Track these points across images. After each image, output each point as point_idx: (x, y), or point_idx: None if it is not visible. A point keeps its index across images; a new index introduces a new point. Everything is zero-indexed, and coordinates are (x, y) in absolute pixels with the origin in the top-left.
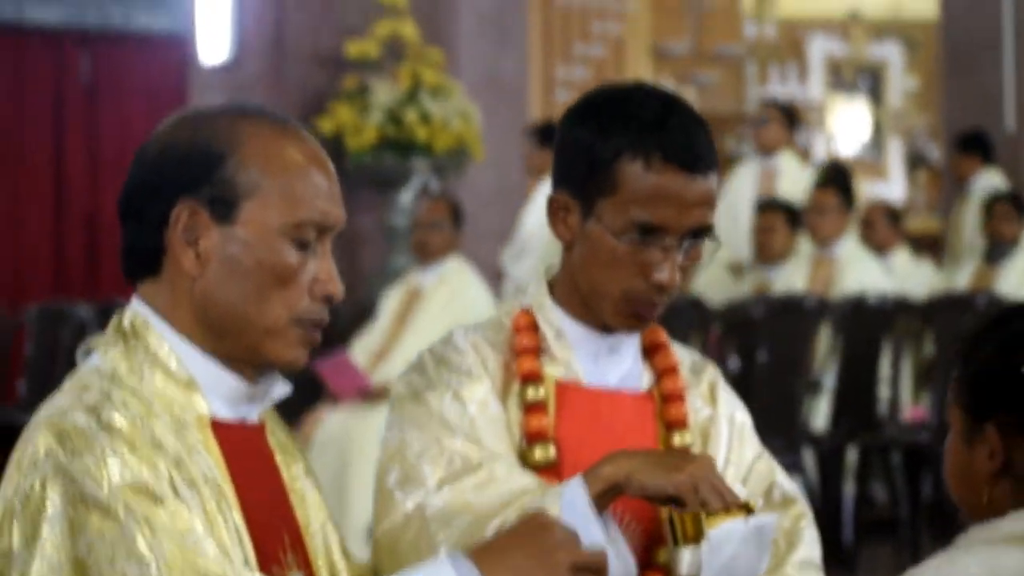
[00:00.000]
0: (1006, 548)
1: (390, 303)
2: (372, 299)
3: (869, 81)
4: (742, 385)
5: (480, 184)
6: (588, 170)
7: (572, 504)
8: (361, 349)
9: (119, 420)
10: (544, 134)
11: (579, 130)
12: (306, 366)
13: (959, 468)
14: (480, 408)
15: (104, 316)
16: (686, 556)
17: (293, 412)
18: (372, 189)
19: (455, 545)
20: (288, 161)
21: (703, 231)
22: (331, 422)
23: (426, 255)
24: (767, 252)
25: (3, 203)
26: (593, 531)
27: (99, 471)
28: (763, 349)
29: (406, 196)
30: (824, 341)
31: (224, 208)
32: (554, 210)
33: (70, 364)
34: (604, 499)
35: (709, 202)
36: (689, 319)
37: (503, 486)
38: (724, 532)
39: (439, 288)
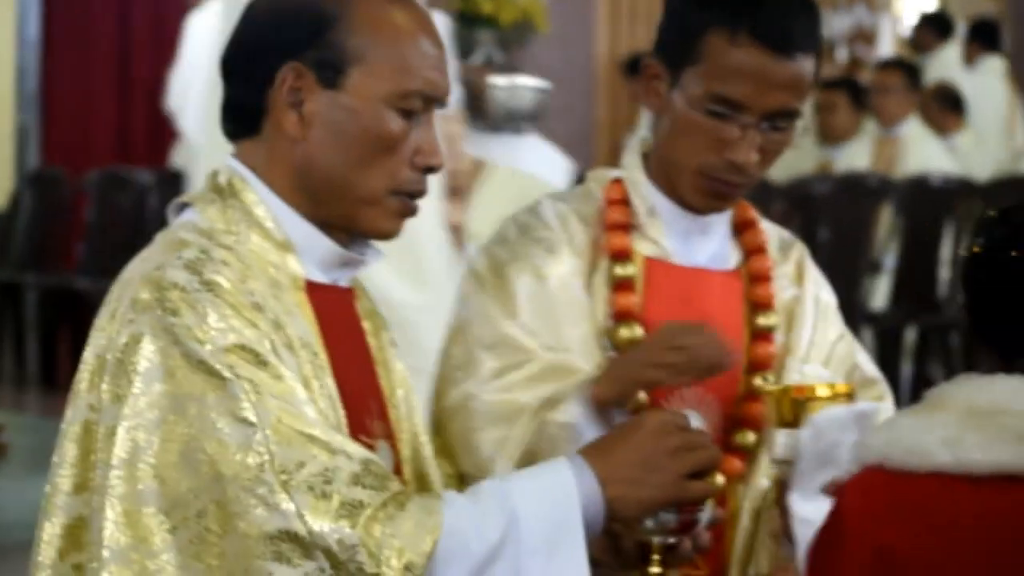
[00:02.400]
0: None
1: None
2: None
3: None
4: None
5: (544, 60)
6: (679, 37)
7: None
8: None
9: (221, 279)
10: (631, 67)
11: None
12: None
13: None
14: (561, 287)
15: (164, 183)
16: (782, 439)
17: None
18: None
19: (495, 444)
20: (398, 28)
21: (788, 114)
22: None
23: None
24: (829, 131)
25: (69, 71)
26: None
27: (202, 330)
28: (824, 227)
29: (470, 67)
30: (885, 221)
31: (331, 72)
32: (647, 76)
33: (129, 229)
34: (607, 417)
35: (796, 86)
36: (750, 194)
37: (551, 382)
38: (828, 417)
39: (508, 159)
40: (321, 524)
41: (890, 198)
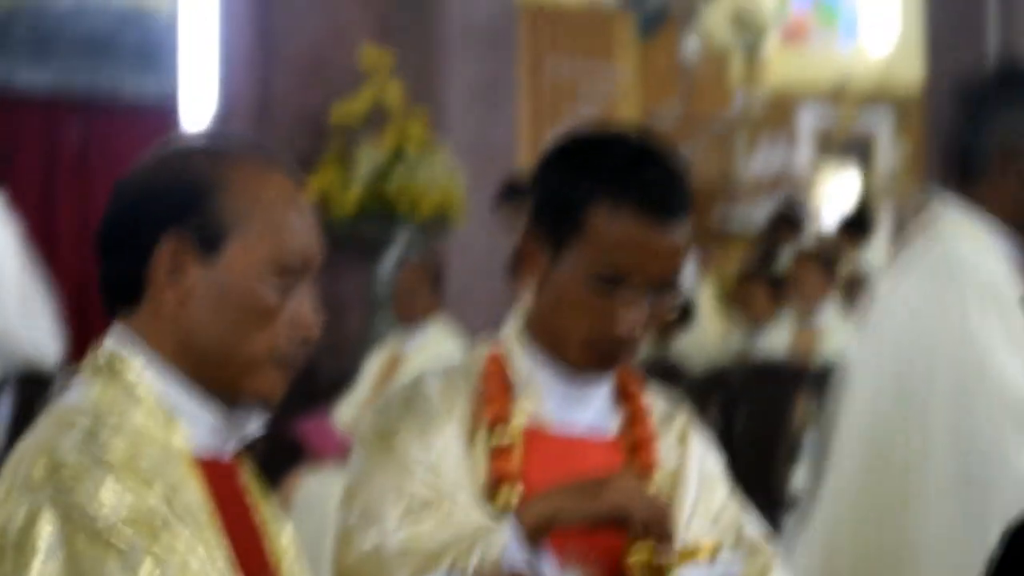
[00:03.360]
0: None
1: (372, 367)
2: (355, 364)
3: (858, 150)
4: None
5: (470, 248)
6: (557, 214)
7: (512, 547)
8: (343, 413)
9: (111, 455)
10: (507, 193)
11: (551, 173)
12: (288, 428)
13: None
14: (443, 453)
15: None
16: None
17: (273, 474)
18: (355, 255)
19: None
20: (273, 198)
21: (671, 283)
22: (311, 484)
23: (406, 321)
24: (749, 318)
25: None
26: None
27: (97, 504)
28: (742, 413)
29: (389, 262)
30: (802, 407)
31: (209, 244)
32: (527, 249)
33: None
34: (538, 536)
35: (679, 254)
36: (667, 380)
37: (457, 526)
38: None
39: (421, 352)
40: None
41: (807, 384)
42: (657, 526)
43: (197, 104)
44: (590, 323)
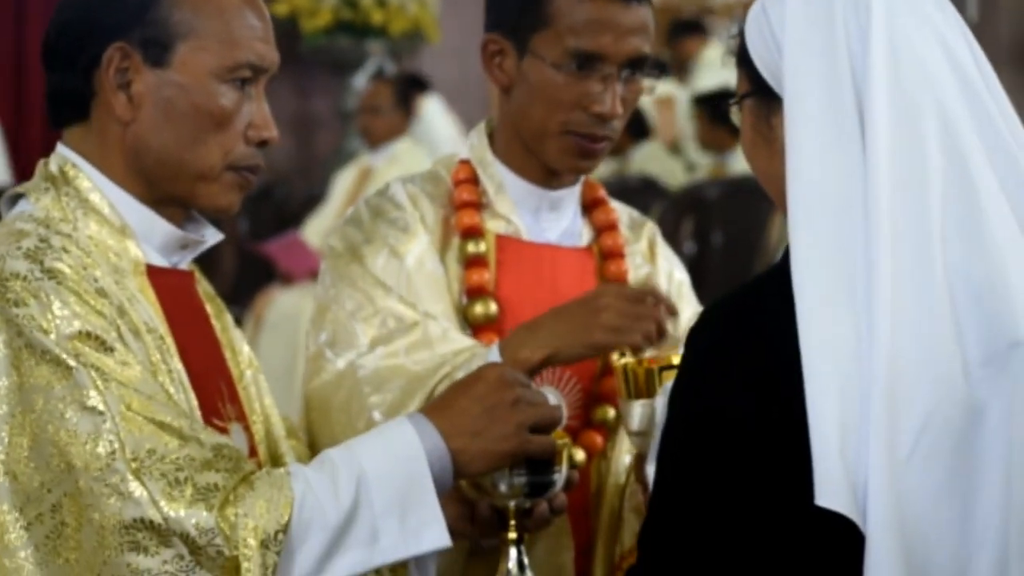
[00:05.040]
0: None
1: (342, 183)
2: (326, 182)
3: None
4: (697, 269)
5: (438, 72)
6: (520, 8)
7: None
8: (314, 230)
9: (62, 266)
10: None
11: None
12: (257, 247)
13: None
14: (417, 265)
15: None
16: (637, 410)
17: (244, 293)
18: (327, 73)
19: (387, 408)
20: (223, 2)
21: (641, 61)
22: (283, 302)
23: (371, 140)
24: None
25: None
26: None
27: (46, 319)
28: (718, 231)
29: (361, 80)
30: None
31: (158, 50)
32: (489, 54)
33: None
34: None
35: (645, 30)
36: (642, 198)
37: (436, 348)
38: None
39: (391, 167)
40: (176, 510)
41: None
42: (657, 337)
43: None
44: (568, 107)
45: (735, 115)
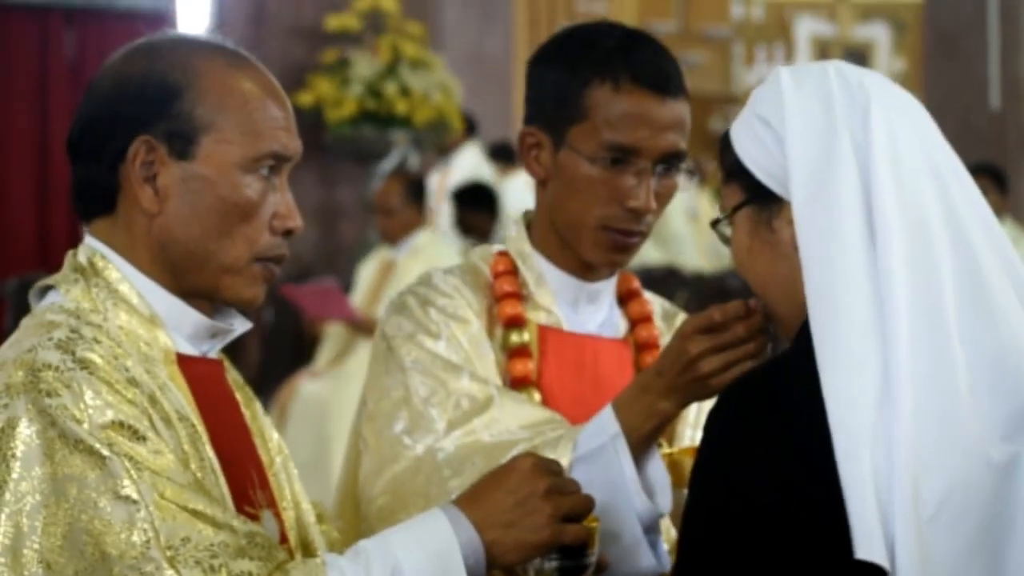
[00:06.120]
0: None
1: (366, 275)
2: (351, 272)
3: (855, 62)
4: None
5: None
6: (557, 101)
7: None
8: (339, 328)
9: (94, 356)
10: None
11: (546, 66)
12: (286, 290)
13: None
14: (474, 348)
15: None
16: (680, 500)
17: (270, 383)
18: (352, 162)
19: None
20: (245, 93)
21: (676, 156)
22: (308, 391)
23: (388, 239)
24: None
25: None
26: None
27: (78, 409)
28: None
29: (385, 169)
30: None
31: (182, 143)
32: (527, 146)
33: None
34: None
35: (681, 126)
36: (667, 290)
37: (512, 421)
38: None
39: (412, 260)
40: None
41: None
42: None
43: (192, 14)
44: (603, 201)
45: (721, 232)
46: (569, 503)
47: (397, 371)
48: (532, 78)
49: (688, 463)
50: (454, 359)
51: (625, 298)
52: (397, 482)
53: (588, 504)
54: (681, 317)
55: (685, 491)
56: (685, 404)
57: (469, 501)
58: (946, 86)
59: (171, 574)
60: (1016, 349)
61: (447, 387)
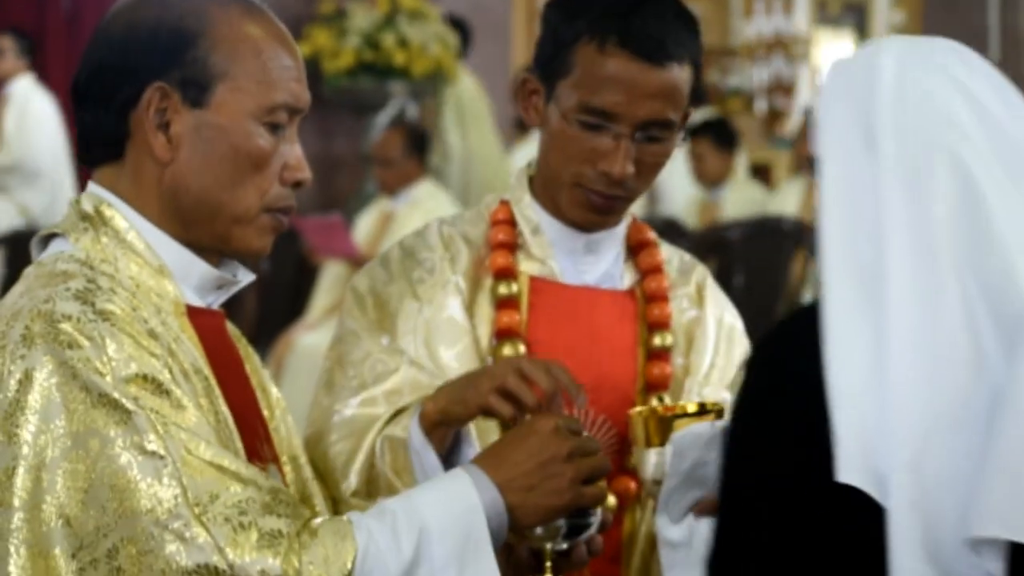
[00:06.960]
0: None
1: (364, 226)
2: (349, 223)
3: (855, 15)
4: None
5: None
6: (552, 50)
7: (414, 434)
8: (334, 273)
9: (114, 307)
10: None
11: (551, 11)
12: (295, 221)
13: None
14: (437, 308)
15: None
16: (652, 459)
17: (266, 335)
18: (349, 114)
19: (345, 458)
20: (259, 42)
21: (662, 124)
22: (303, 344)
23: (387, 190)
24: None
25: None
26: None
27: (101, 361)
28: (739, 272)
29: (383, 121)
30: (801, 265)
31: (196, 91)
32: (526, 92)
33: None
34: (437, 433)
35: (669, 95)
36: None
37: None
38: (687, 435)
39: (412, 211)
40: (241, 556)
41: (806, 242)
42: (557, 379)
43: None
44: (577, 160)
45: None
46: (588, 466)
47: (343, 321)
48: (543, 22)
49: (680, 424)
50: (399, 324)
51: (635, 249)
52: (309, 439)
53: (607, 466)
54: (700, 269)
55: (651, 450)
56: (448, 410)
57: (490, 462)
58: (945, 38)
59: (199, 531)
60: (1013, 274)
61: (367, 349)
